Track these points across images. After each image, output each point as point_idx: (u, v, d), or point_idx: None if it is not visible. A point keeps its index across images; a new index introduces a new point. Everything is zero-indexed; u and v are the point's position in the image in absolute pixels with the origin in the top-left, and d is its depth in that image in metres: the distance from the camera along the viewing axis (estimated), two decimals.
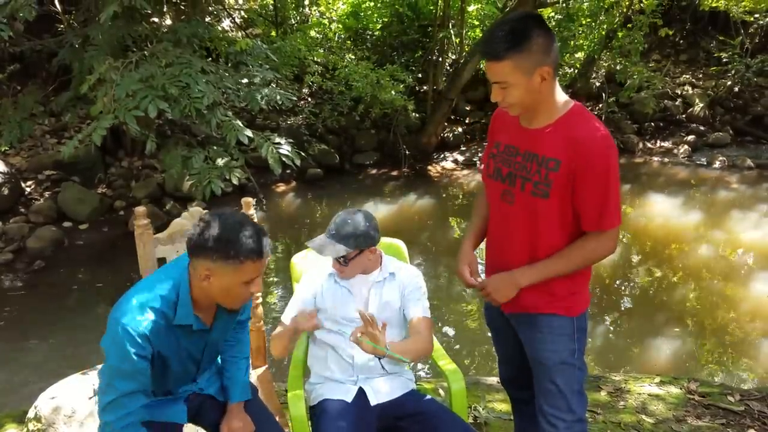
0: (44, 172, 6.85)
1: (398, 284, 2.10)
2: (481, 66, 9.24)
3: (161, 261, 2.21)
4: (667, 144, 10.05)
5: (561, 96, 1.73)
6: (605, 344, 4.38)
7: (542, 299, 1.82)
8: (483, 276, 1.94)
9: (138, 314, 1.59)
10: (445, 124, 9.50)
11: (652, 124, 10.31)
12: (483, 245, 2.03)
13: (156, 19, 6.45)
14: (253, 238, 1.56)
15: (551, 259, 1.77)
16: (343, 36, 10.26)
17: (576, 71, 10.06)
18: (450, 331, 4.56)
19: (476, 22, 10.15)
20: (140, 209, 2.15)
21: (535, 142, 1.74)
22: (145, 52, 4.86)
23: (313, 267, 2.22)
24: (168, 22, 6.73)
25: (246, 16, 9.52)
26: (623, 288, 5.31)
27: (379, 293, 2.08)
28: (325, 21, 10.27)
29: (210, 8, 7.28)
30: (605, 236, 1.73)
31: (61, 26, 6.82)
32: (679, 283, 5.36)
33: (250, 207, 2.30)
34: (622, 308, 4.96)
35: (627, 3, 9.95)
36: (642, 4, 9.89)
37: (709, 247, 6.12)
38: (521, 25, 1.61)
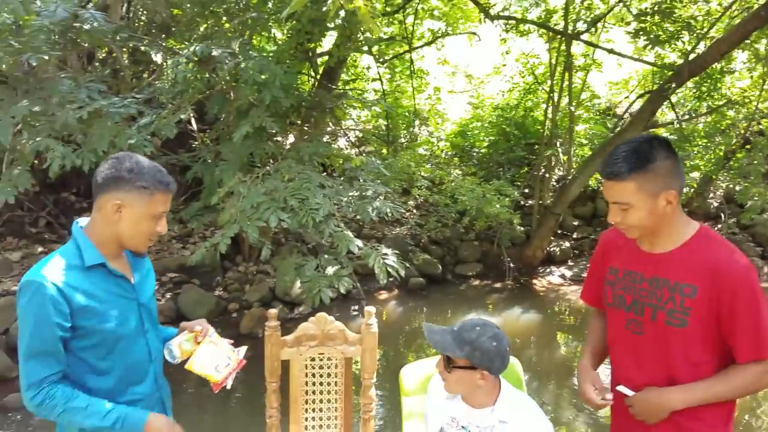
0: (168, 274, 7.39)
1: None
2: (590, 183, 9.19)
3: (285, 363, 2.29)
4: None
5: (684, 218, 1.66)
6: None
7: (687, 425, 1.64)
8: (610, 395, 1.75)
9: (43, 267, 1.58)
10: (552, 238, 9.36)
11: None
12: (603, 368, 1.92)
13: (279, 138, 7.06)
14: (162, 172, 1.66)
15: (709, 382, 1.60)
16: (450, 153, 10.63)
17: (692, 190, 9.72)
18: None
19: (585, 141, 10.20)
20: (271, 312, 2.29)
21: (663, 267, 1.65)
22: (269, 168, 5.30)
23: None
24: (291, 140, 7.33)
25: (361, 135, 10.17)
26: (761, 418, 4.75)
27: None
28: (433, 139, 10.73)
29: (328, 128, 7.87)
30: (766, 364, 1.57)
31: (195, 143, 7.60)
32: None
33: (371, 316, 2.35)
34: None
35: (745, 125, 9.66)
36: (761, 126, 9.57)
37: None
38: (646, 147, 1.58)
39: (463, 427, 1.79)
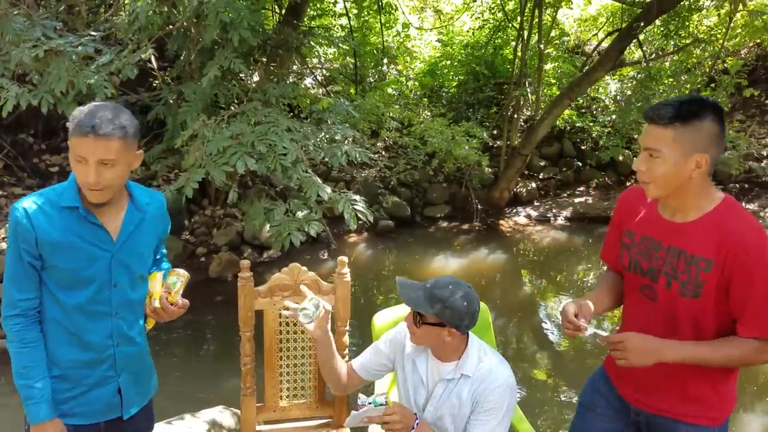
0: None
1: (471, 393, 1.83)
2: (558, 123, 9.23)
3: (259, 313, 2.30)
4: (753, 206, 9.57)
5: (710, 188, 1.63)
6: None
7: (688, 406, 1.69)
8: (585, 325, 1.68)
9: (28, 197, 1.67)
10: (519, 179, 9.46)
11: (737, 185, 9.89)
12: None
13: (244, 78, 6.84)
14: (90, 114, 1.57)
15: (704, 345, 1.63)
16: (419, 93, 10.50)
17: None
18: (524, 392, 4.42)
19: (553, 80, 10.18)
20: (244, 263, 2.28)
21: (681, 237, 1.64)
22: (234, 109, 5.16)
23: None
24: (256, 78, 7.11)
25: (327, 74, 9.93)
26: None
27: (445, 391, 1.87)
28: (403, 79, 10.56)
29: (294, 67, 7.65)
30: (766, 343, 1.59)
31: (156, 82, 7.31)
32: None
33: (344, 265, 2.35)
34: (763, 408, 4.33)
35: (710, 63, 9.75)
36: (726, 65, 9.67)
37: None
38: (698, 104, 1.56)
39: (422, 380, 1.86)
